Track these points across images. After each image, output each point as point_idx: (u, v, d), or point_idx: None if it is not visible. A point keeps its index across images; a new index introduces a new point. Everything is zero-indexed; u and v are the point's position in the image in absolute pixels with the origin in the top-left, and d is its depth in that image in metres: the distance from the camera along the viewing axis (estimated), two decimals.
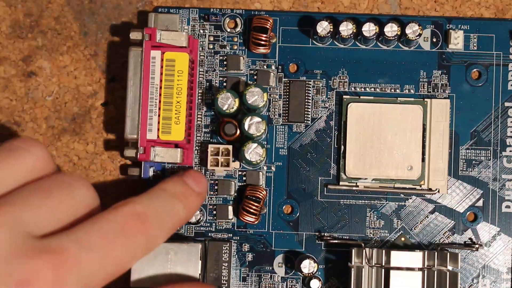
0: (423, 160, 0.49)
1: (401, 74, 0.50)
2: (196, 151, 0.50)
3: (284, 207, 0.50)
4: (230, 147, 0.48)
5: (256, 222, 0.49)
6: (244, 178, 0.50)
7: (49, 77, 0.51)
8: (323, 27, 0.48)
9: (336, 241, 0.49)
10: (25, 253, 0.32)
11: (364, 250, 0.47)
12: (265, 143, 0.50)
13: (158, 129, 0.47)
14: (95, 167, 0.51)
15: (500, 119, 0.50)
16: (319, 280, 0.48)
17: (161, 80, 0.47)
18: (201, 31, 0.50)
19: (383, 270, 0.47)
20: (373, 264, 0.47)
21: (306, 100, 0.50)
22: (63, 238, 0.34)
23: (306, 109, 0.50)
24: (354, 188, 0.49)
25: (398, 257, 0.47)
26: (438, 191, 0.49)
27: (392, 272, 0.47)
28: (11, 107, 0.51)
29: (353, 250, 0.47)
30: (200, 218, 0.49)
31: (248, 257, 0.49)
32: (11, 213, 0.33)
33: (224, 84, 0.50)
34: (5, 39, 0.51)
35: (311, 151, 0.50)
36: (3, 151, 0.36)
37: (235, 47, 0.50)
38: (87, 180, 0.38)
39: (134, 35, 0.48)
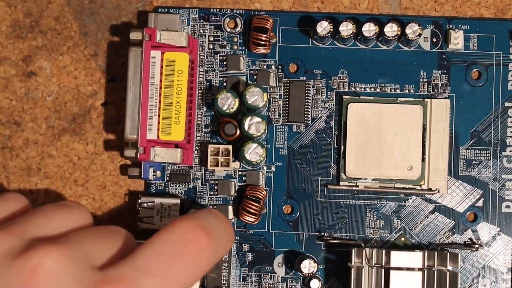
0: (423, 160, 0.49)
1: (401, 74, 0.50)
2: (196, 151, 0.50)
3: (284, 207, 0.50)
4: (230, 147, 0.48)
5: (256, 222, 0.49)
6: (244, 178, 0.50)
7: (49, 77, 0.51)
8: (323, 27, 0.48)
9: (336, 241, 0.49)
10: (87, 284, 0.32)
11: (364, 250, 0.47)
12: (265, 143, 0.50)
13: (158, 129, 0.47)
14: (95, 167, 0.51)
15: (500, 119, 0.50)
16: (319, 280, 0.48)
17: (161, 80, 0.47)
18: (201, 31, 0.50)
19: (383, 270, 0.47)
20: (373, 264, 0.47)
21: (306, 100, 0.50)
22: (121, 266, 0.33)
23: (306, 109, 0.50)
24: (354, 188, 0.49)
25: (398, 257, 0.47)
26: (438, 191, 0.49)
27: (392, 272, 0.47)
28: (11, 107, 0.51)
29: (353, 250, 0.47)
30: None
31: (248, 257, 0.49)
32: (74, 247, 0.33)
33: (224, 84, 0.50)
34: (5, 39, 0.51)
35: (311, 151, 0.50)
36: (55, 205, 0.38)
37: (235, 47, 0.50)
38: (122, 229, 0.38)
39: (134, 35, 0.48)
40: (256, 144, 0.48)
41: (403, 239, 0.49)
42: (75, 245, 0.34)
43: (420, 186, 0.49)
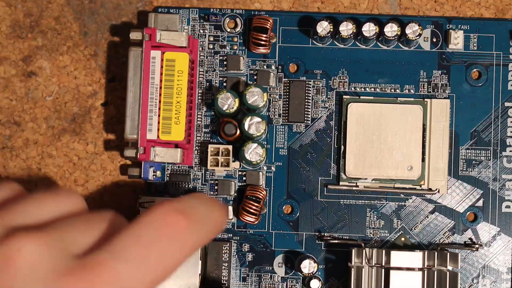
0: (423, 160, 0.49)
1: (401, 74, 0.50)
2: (196, 151, 0.50)
3: (284, 207, 0.50)
4: (230, 147, 0.48)
5: (256, 222, 0.49)
6: (244, 178, 0.50)
7: (49, 77, 0.51)
8: (323, 27, 0.48)
9: (336, 241, 0.49)
10: (64, 272, 0.32)
11: (364, 250, 0.47)
12: (265, 143, 0.50)
13: (158, 129, 0.47)
14: (95, 167, 0.51)
15: (500, 119, 0.50)
16: (319, 280, 0.48)
17: (161, 80, 0.47)
18: (201, 31, 0.50)
19: (383, 270, 0.47)
20: (373, 264, 0.47)
21: (306, 100, 0.50)
22: (99, 252, 0.33)
23: (306, 109, 0.50)
24: (354, 188, 0.49)
25: (398, 257, 0.47)
26: (438, 191, 0.49)
27: (392, 272, 0.47)
28: (11, 107, 0.51)
29: (353, 250, 0.47)
30: None
31: (248, 257, 0.49)
32: (54, 234, 0.33)
33: (224, 84, 0.50)
34: (5, 39, 0.51)
35: (311, 151, 0.50)
36: (46, 192, 0.37)
37: (235, 47, 0.50)
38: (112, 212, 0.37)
39: (134, 35, 0.48)
40: (256, 144, 0.48)
41: (403, 239, 0.49)
42: (56, 233, 0.33)
43: (420, 186, 0.49)
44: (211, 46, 0.50)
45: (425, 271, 0.47)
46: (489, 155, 0.49)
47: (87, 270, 0.32)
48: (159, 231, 0.34)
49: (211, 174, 0.50)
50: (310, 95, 0.50)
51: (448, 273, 0.46)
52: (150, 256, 0.33)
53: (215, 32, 0.50)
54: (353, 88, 0.50)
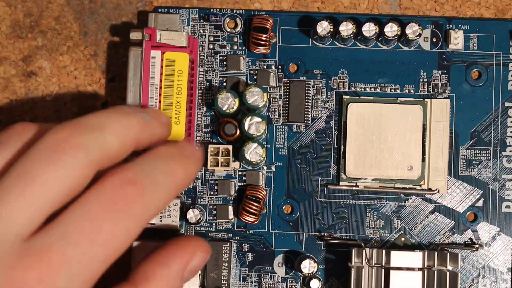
0: (423, 160, 0.49)
1: (401, 74, 0.50)
2: None
3: (284, 207, 0.50)
4: (230, 147, 0.48)
5: (256, 222, 0.49)
6: (244, 178, 0.50)
7: (49, 77, 0.51)
8: (323, 27, 0.48)
9: (336, 241, 0.49)
10: (11, 263, 0.30)
11: (364, 250, 0.47)
12: (265, 143, 0.50)
13: None
14: None
15: (500, 119, 0.50)
16: (319, 280, 0.48)
17: (161, 80, 0.47)
18: (201, 31, 0.50)
19: (383, 270, 0.47)
20: (373, 264, 0.47)
21: (306, 100, 0.50)
22: (46, 237, 0.31)
23: (306, 109, 0.50)
24: (354, 188, 0.49)
25: (398, 257, 0.47)
26: (438, 191, 0.49)
27: (392, 272, 0.47)
28: (11, 107, 0.51)
29: (353, 250, 0.47)
30: (200, 218, 0.49)
31: (248, 257, 0.49)
32: None
33: (224, 84, 0.50)
34: (5, 39, 0.51)
35: (311, 151, 0.50)
36: None
37: (235, 47, 0.50)
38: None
39: (134, 35, 0.48)
40: (256, 144, 0.48)
41: (403, 239, 0.49)
42: None
43: (420, 186, 0.49)
44: (211, 46, 0.50)
45: (425, 271, 0.47)
46: (489, 155, 0.49)
47: (35, 258, 0.30)
48: (109, 207, 0.32)
49: (211, 174, 0.50)
50: (310, 95, 0.50)
51: (448, 273, 0.46)
52: (100, 234, 0.31)
53: (215, 32, 0.50)
54: (353, 88, 0.50)
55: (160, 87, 0.47)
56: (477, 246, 0.49)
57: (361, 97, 0.50)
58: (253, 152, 0.48)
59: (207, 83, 0.50)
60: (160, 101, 0.47)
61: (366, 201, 0.49)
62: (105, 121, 0.34)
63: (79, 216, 0.31)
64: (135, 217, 0.32)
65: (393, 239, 0.49)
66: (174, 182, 0.35)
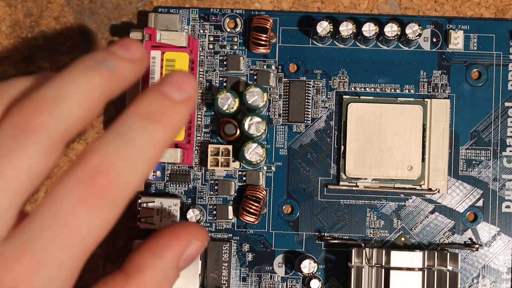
0: (423, 160, 0.49)
1: (401, 74, 0.50)
2: (196, 151, 0.50)
3: (284, 207, 0.50)
4: (230, 147, 0.48)
5: (256, 222, 0.49)
6: (244, 178, 0.50)
7: None
8: (323, 27, 0.48)
9: (336, 241, 0.49)
10: None
11: (364, 250, 0.47)
12: (265, 143, 0.50)
13: None
14: None
15: (500, 119, 0.50)
16: (319, 280, 0.48)
17: None
18: (201, 31, 0.50)
19: (383, 270, 0.47)
20: (373, 264, 0.47)
21: (306, 100, 0.50)
22: (18, 238, 0.29)
23: (306, 109, 0.50)
24: (354, 188, 0.49)
25: (398, 257, 0.47)
26: (438, 191, 0.49)
27: (392, 272, 0.47)
28: None
29: (353, 250, 0.47)
30: (200, 218, 0.49)
31: (248, 257, 0.49)
32: None
33: (224, 84, 0.50)
34: (5, 39, 0.51)
35: (311, 151, 0.50)
36: None
37: (235, 47, 0.50)
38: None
39: (134, 35, 0.48)
40: (256, 144, 0.48)
41: (403, 239, 0.49)
42: None
43: (420, 186, 0.49)
44: (211, 46, 0.50)
45: (425, 271, 0.47)
46: (489, 155, 0.49)
47: (8, 262, 0.29)
48: (80, 203, 0.30)
49: (211, 174, 0.50)
50: (310, 95, 0.50)
51: (448, 273, 0.46)
52: (74, 232, 0.30)
53: (215, 32, 0.50)
54: (353, 88, 0.50)
55: None
56: (477, 246, 0.49)
57: (361, 97, 0.50)
58: (253, 152, 0.48)
59: (207, 83, 0.50)
60: None
61: (366, 201, 0.49)
62: (63, 89, 0.31)
63: (50, 215, 0.30)
64: (110, 206, 0.30)
65: (393, 239, 0.49)
66: (154, 151, 0.31)
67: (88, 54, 0.32)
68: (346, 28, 0.48)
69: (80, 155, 0.30)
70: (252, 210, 0.48)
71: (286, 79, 0.50)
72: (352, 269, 0.47)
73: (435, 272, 0.47)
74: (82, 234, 0.30)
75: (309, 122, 0.50)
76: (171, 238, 0.34)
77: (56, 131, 0.30)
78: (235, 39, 0.50)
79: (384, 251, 0.47)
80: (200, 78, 0.50)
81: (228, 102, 0.48)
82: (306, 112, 0.50)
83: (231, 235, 0.49)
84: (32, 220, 0.30)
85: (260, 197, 0.48)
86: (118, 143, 0.31)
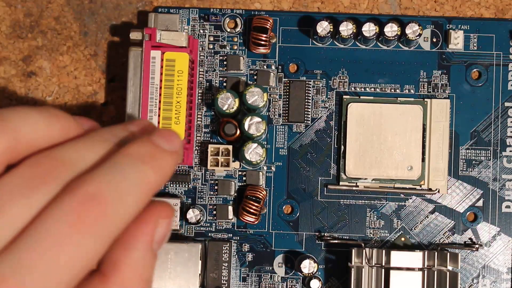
0: (423, 160, 0.49)
1: (401, 74, 0.50)
2: (196, 151, 0.50)
3: (284, 207, 0.50)
4: (230, 147, 0.48)
5: (256, 222, 0.49)
6: (244, 178, 0.50)
7: (49, 77, 0.51)
8: (323, 27, 0.48)
9: (336, 241, 0.49)
10: None
11: (364, 250, 0.47)
12: (265, 143, 0.50)
13: None
14: None
15: (500, 119, 0.50)
16: (319, 280, 0.48)
17: (161, 80, 0.47)
18: (201, 31, 0.50)
19: (383, 270, 0.47)
20: (373, 264, 0.47)
21: (306, 100, 0.50)
22: (3, 263, 0.28)
23: (306, 109, 0.50)
24: (354, 188, 0.49)
25: (398, 257, 0.47)
26: (438, 191, 0.49)
27: (392, 272, 0.47)
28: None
29: (353, 250, 0.47)
30: (200, 218, 0.49)
31: (248, 257, 0.49)
32: None
33: (224, 84, 0.50)
34: (5, 39, 0.51)
35: (311, 151, 0.50)
36: None
37: (235, 47, 0.50)
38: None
39: (134, 35, 0.48)
40: (256, 144, 0.48)
41: (403, 239, 0.49)
42: None
43: (420, 186, 0.49)
44: (211, 46, 0.50)
45: (425, 271, 0.47)
46: (489, 155, 0.49)
47: None
48: (69, 230, 0.29)
49: (211, 174, 0.50)
50: (310, 95, 0.50)
51: (448, 273, 0.46)
52: (62, 260, 0.29)
53: (215, 32, 0.50)
54: (353, 88, 0.50)
55: (160, 87, 0.47)
56: (477, 246, 0.49)
57: (361, 97, 0.50)
58: (253, 152, 0.48)
59: (207, 83, 0.50)
60: (160, 101, 0.47)
61: (366, 201, 0.49)
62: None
63: (37, 241, 0.29)
64: (100, 236, 0.30)
65: (393, 239, 0.49)
66: (144, 189, 0.32)
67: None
68: (346, 28, 0.48)
69: (72, 183, 0.30)
70: (252, 210, 0.48)
71: (286, 79, 0.50)
72: (352, 269, 0.47)
73: (435, 272, 0.47)
74: (70, 263, 0.29)
75: (309, 122, 0.50)
76: (138, 226, 0.33)
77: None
78: (235, 39, 0.50)
79: (384, 251, 0.47)
80: (200, 78, 0.50)
81: (228, 102, 0.48)
82: (306, 112, 0.50)
83: (231, 235, 0.49)
84: (17, 246, 0.29)
85: (260, 197, 0.48)
86: (112, 175, 0.31)
